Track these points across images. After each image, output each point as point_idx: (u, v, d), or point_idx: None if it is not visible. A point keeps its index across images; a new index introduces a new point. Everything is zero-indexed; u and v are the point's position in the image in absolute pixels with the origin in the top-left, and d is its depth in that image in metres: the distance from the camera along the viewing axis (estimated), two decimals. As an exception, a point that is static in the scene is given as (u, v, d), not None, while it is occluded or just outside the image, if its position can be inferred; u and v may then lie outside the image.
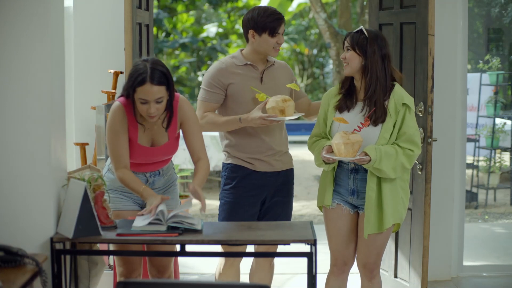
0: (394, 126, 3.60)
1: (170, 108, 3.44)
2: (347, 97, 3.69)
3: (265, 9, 3.84)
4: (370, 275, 3.75)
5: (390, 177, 3.58)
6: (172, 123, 3.51)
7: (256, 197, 3.93)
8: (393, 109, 3.59)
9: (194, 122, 3.55)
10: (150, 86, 3.32)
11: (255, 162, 3.91)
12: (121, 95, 3.47)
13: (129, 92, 3.38)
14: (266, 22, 3.79)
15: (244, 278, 4.19)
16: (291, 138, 4.75)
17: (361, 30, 3.63)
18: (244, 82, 3.87)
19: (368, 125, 3.59)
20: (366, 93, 3.61)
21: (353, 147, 3.48)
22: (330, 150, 3.59)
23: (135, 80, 3.34)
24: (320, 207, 3.84)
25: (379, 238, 3.68)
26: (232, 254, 3.91)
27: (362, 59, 3.60)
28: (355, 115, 3.64)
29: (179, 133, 3.58)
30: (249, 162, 3.91)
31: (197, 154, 3.55)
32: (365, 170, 3.63)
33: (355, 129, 3.59)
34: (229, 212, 3.91)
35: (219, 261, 4.04)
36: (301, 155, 11.96)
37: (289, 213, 4.07)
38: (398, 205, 3.65)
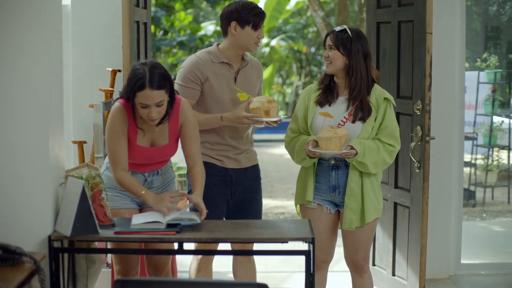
0: (375, 120, 3.65)
1: (171, 107, 3.42)
2: (328, 92, 3.72)
3: (248, 3, 3.84)
4: (361, 271, 3.81)
5: (371, 171, 3.64)
6: (173, 125, 3.50)
7: (226, 194, 3.92)
8: (374, 103, 3.65)
9: (193, 127, 3.54)
10: (150, 91, 3.29)
11: (223, 158, 3.90)
12: (121, 97, 3.46)
13: (129, 96, 3.37)
14: (250, 15, 3.79)
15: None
16: (276, 136, 4.74)
17: (344, 29, 3.66)
18: (219, 81, 3.83)
19: (352, 120, 3.63)
20: (351, 92, 3.65)
21: (340, 141, 3.53)
22: (315, 145, 3.62)
23: (134, 85, 3.31)
24: (298, 211, 3.86)
25: (364, 234, 3.73)
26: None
27: (346, 59, 3.64)
28: (337, 109, 3.68)
29: (178, 136, 3.57)
30: (217, 158, 3.90)
31: (193, 159, 3.55)
32: (346, 166, 3.67)
33: (339, 124, 3.63)
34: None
35: (192, 261, 4.01)
36: (286, 153, 11.96)
37: (260, 209, 4.07)
38: (378, 200, 3.72)
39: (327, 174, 3.71)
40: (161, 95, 3.32)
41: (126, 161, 3.45)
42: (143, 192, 3.40)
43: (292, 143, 3.78)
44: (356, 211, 3.66)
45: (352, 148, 3.56)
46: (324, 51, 3.72)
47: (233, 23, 3.81)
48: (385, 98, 3.67)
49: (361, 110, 3.63)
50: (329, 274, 3.98)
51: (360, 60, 3.63)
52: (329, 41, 3.68)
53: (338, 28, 3.68)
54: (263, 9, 3.91)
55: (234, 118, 3.75)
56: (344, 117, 3.64)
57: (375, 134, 3.66)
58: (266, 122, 3.75)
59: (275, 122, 3.76)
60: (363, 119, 3.63)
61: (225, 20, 3.85)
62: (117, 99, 3.50)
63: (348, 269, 3.89)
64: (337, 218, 3.78)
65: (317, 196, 3.74)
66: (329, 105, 3.69)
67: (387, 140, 3.65)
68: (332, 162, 3.69)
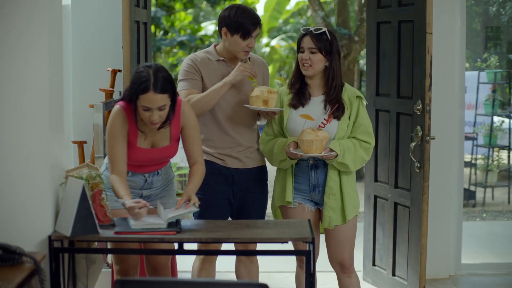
0: (349, 118, 3.71)
1: (172, 112, 3.42)
2: (300, 94, 3.75)
3: (243, 10, 3.78)
4: (348, 271, 3.83)
5: (351, 170, 3.71)
6: (174, 127, 3.50)
7: (228, 194, 3.91)
8: (347, 101, 3.71)
9: (194, 128, 3.55)
10: (153, 94, 3.29)
11: (225, 158, 3.89)
12: (122, 99, 3.46)
13: (132, 98, 3.36)
14: (240, 24, 3.73)
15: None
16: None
17: (324, 31, 3.68)
18: (216, 79, 3.83)
19: (331, 121, 3.68)
20: (330, 93, 3.70)
21: (321, 143, 3.58)
22: (296, 146, 3.66)
23: (138, 88, 3.31)
24: (276, 211, 3.86)
25: (346, 232, 3.76)
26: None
27: (326, 61, 3.69)
28: (314, 111, 3.70)
29: (179, 137, 3.57)
30: (219, 158, 3.90)
31: (195, 158, 3.56)
32: (325, 165, 3.72)
33: (319, 126, 3.66)
34: (201, 209, 3.88)
35: (195, 260, 4.01)
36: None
37: (263, 210, 4.06)
38: (356, 197, 3.77)
39: (307, 174, 3.75)
40: (164, 99, 3.32)
41: (123, 164, 3.45)
42: (122, 197, 3.33)
43: (268, 146, 3.80)
44: (336, 209, 3.70)
45: (331, 150, 3.61)
46: (299, 52, 3.72)
47: (224, 29, 3.80)
48: (358, 96, 3.73)
49: (336, 109, 3.68)
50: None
51: (337, 61, 3.70)
52: (309, 44, 3.69)
53: (317, 31, 3.69)
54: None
55: (233, 71, 3.75)
56: (324, 119, 3.68)
57: (350, 132, 3.72)
58: (265, 112, 3.74)
59: (273, 113, 3.76)
60: (338, 117, 3.68)
61: (219, 24, 3.85)
62: (118, 100, 3.50)
63: (331, 270, 3.90)
64: (318, 216, 3.81)
65: (297, 195, 3.78)
66: (303, 107, 3.73)
67: (362, 137, 3.72)
68: (311, 162, 3.74)
